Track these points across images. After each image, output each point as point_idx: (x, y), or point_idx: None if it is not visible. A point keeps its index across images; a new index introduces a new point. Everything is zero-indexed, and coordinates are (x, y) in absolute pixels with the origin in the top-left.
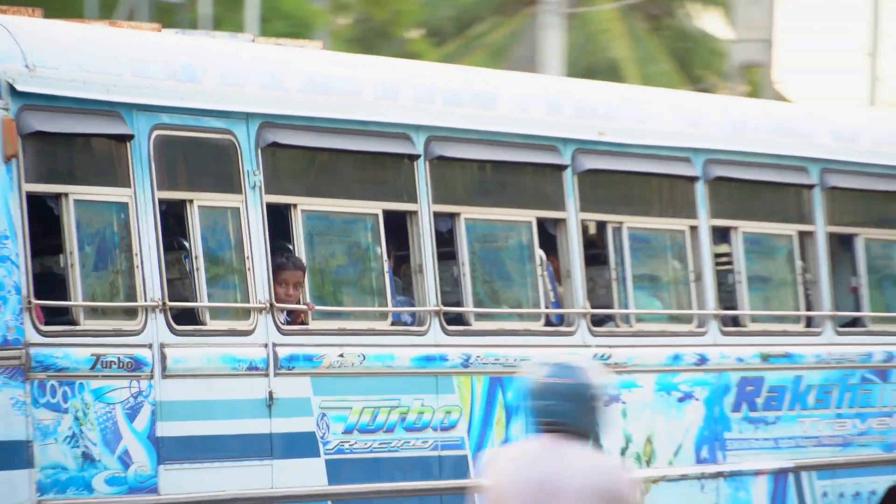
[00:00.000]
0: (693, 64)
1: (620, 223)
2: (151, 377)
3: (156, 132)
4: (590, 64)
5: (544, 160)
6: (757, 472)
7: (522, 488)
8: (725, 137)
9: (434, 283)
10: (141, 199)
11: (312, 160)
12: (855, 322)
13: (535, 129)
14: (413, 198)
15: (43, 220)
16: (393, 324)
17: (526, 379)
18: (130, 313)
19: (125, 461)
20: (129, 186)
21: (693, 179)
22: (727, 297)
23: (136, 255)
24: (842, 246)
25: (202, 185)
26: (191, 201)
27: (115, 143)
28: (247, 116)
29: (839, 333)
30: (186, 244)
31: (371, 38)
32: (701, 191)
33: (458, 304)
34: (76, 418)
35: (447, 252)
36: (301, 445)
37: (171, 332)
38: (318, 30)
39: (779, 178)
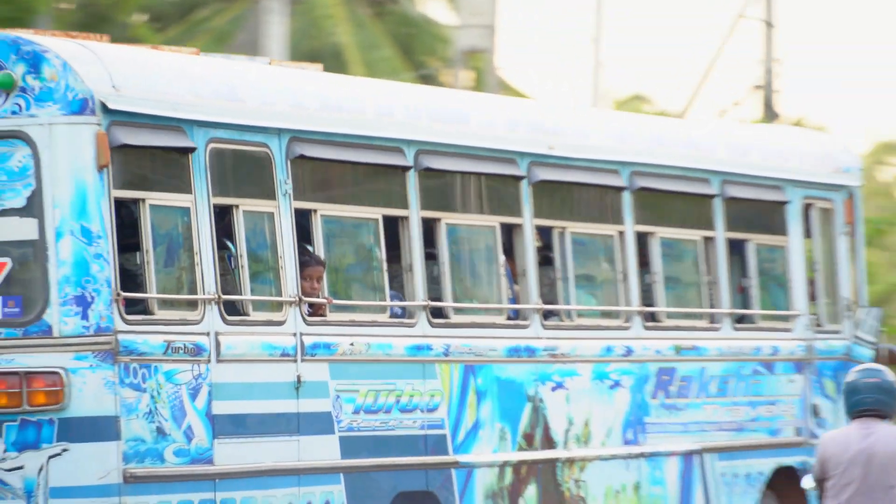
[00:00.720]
0: (416, 50)
1: (564, 228)
2: (209, 361)
3: (211, 145)
4: (313, 49)
5: (505, 171)
6: (670, 454)
7: (853, 458)
8: (647, 152)
9: (422, 280)
10: (200, 204)
11: (327, 170)
12: (744, 319)
13: (498, 144)
14: (405, 204)
15: (123, 221)
16: (390, 317)
17: (846, 381)
18: (192, 305)
19: (188, 435)
20: (190, 193)
21: (621, 189)
22: (647, 295)
23: (197, 253)
24: (735, 250)
25: (245, 192)
26: (237, 206)
27: (180, 155)
28: (279, 132)
29: (735, 329)
30: (231, 244)
31: (94, 22)
32: (627, 200)
33: (439, 299)
34: (152, 397)
35: (429, 253)
36: (320, 424)
37: (224, 322)
38: (41, 14)
39: (688, 188)
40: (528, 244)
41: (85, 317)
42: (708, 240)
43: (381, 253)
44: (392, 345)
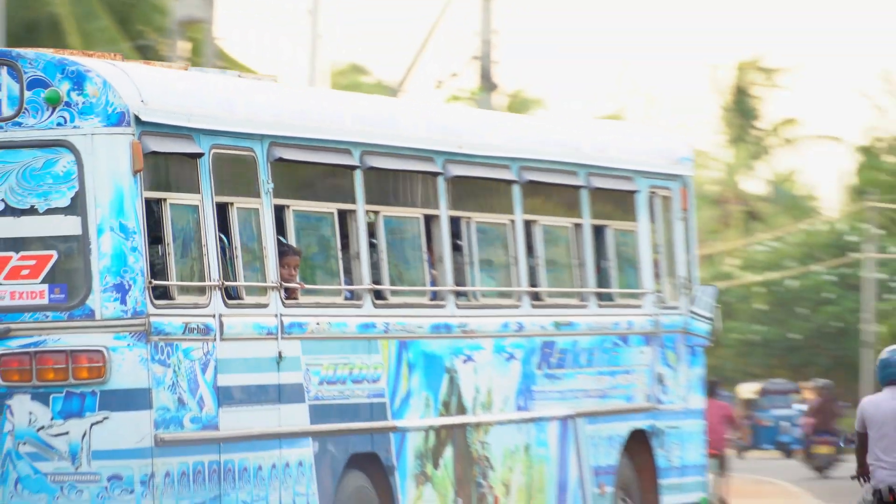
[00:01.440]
0: (134, 20)
1: (470, 218)
2: (214, 340)
3: (213, 151)
4: (30, 21)
5: (426, 168)
6: (551, 418)
7: (885, 416)
8: (530, 149)
9: (367, 267)
10: (205, 202)
11: (296, 170)
12: (605, 297)
13: (420, 144)
14: (353, 199)
15: (148, 218)
16: (345, 299)
17: (880, 357)
18: (201, 291)
19: (200, 405)
20: (198, 192)
21: (511, 182)
22: (532, 276)
23: (204, 245)
24: (597, 235)
25: (238, 191)
26: (231, 204)
27: (190, 159)
28: (261, 138)
29: (599, 306)
30: (224, 238)
31: None
32: (517, 192)
33: (379, 282)
34: (174, 372)
35: (371, 242)
36: (295, 394)
37: (225, 305)
38: None
39: (562, 180)
40: (444, 233)
41: (123, 302)
42: (577, 226)
43: (337, 243)
44: (346, 324)
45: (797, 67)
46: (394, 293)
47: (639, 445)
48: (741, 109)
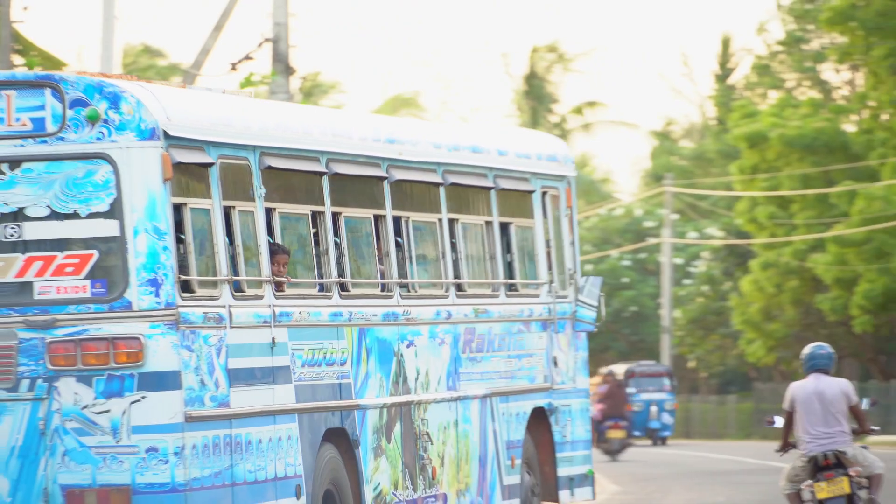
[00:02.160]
0: None
1: (408, 217)
2: (226, 328)
3: (220, 160)
4: None
5: (372, 173)
6: (473, 397)
7: (809, 398)
8: (451, 155)
9: (334, 262)
10: (215, 206)
11: (280, 177)
12: (512, 287)
13: (369, 152)
14: (321, 202)
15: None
16: (318, 291)
17: (805, 351)
18: (214, 284)
19: (216, 385)
20: (209, 198)
21: (438, 185)
22: (456, 269)
23: (215, 244)
24: (503, 232)
25: (238, 196)
26: (234, 207)
27: (203, 168)
28: (254, 148)
29: (507, 296)
30: (228, 237)
31: None
32: (442, 193)
33: (343, 276)
34: (197, 356)
35: (335, 241)
36: (284, 375)
37: (233, 297)
38: None
39: (477, 182)
40: (390, 231)
41: (157, 295)
42: (488, 224)
43: (311, 241)
44: (320, 313)
45: (594, 52)
46: (354, 285)
47: (537, 422)
48: (536, 94)
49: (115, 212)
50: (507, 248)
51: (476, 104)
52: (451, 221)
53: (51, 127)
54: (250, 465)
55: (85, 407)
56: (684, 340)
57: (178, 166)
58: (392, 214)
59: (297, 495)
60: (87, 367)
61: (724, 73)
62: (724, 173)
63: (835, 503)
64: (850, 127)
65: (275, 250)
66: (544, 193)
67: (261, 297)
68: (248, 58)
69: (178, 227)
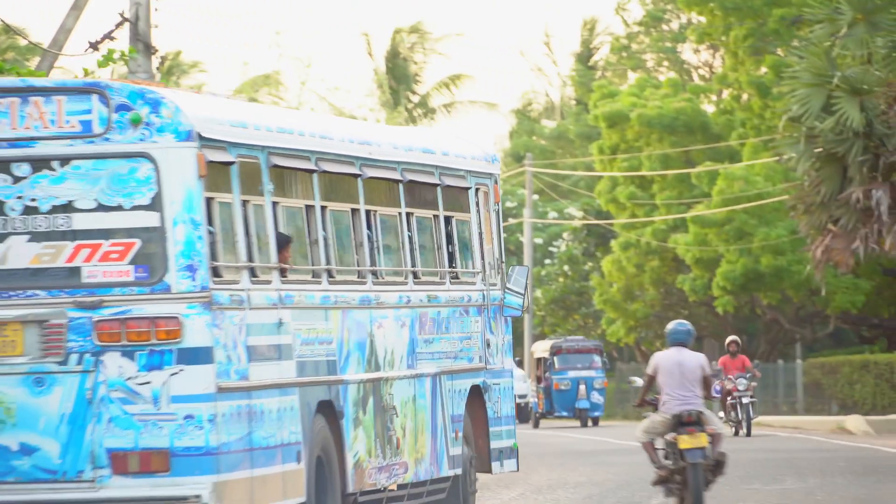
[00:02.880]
0: None
1: (376, 211)
2: (245, 309)
3: (238, 159)
4: None
5: (349, 171)
6: (427, 375)
7: (672, 367)
8: (410, 155)
9: (323, 251)
10: (236, 200)
11: (281, 174)
12: (454, 275)
13: (346, 151)
14: (312, 196)
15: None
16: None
17: (670, 326)
18: (236, 270)
19: (238, 360)
20: (230, 192)
21: (398, 182)
22: (413, 258)
23: (236, 234)
24: (447, 224)
25: (252, 191)
26: (248, 201)
27: (226, 166)
28: (263, 148)
29: (452, 283)
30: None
31: None
32: (402, 189)
33: (329, 264)
34: (225, 334)
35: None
36: (288, 352)
37: (250, 282)
38: None
39: (427, 180)
40: (363, 223)
41: (193, 279)
42: (435, 217)
43: (306, 231)
44: (314, 296)
45: (456, 33)
46: (339, 272)
47: (473, 399)
48: (397, 74)
49: (155, 205)
50: (449, 239)
51: (336, 84)
52: (409, 215)
53: (97, 129)
54: (263, 431)
55: (128, 379)
56: (546, 320)
57: (208, 164)
58: (364, 208)
59: (298, 460)
60: (131, 343)
61: (587, 54)
62: (584, 153)
63: (692, 453)
64: (709, 107)
65: (280, 240)
66: (477, 189)
67: (270, 282)
68: (108, 37)
69: (207, 218)
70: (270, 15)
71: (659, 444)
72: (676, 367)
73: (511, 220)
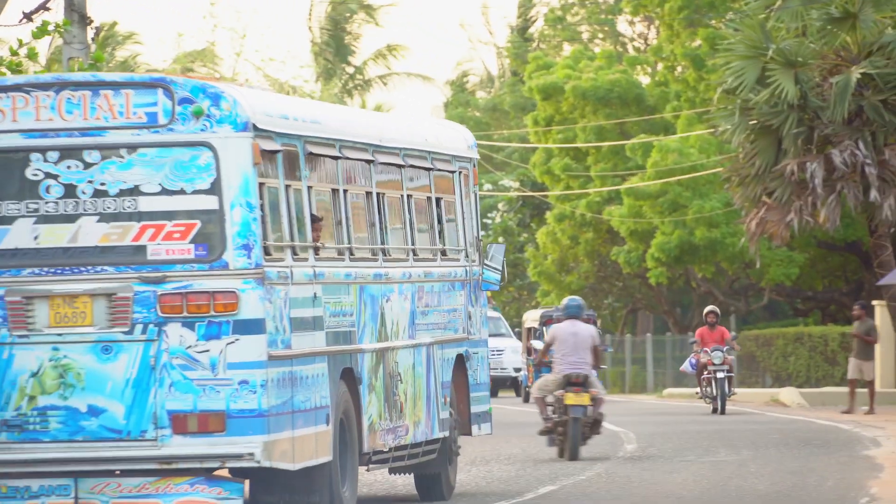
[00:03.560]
0: None
1: (384, 194)
2: (289, 284)
3: (282, 147)
4: None
5: (365, 157)
6: (423, 344)
7: (567, 336)
8: (410, 142)
9: (346, 231)
10: (281, 185)
11: (313, 161)
12: (445, 252)
13: (362, 139)
14: (336, 181)
15: None
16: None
17: (564, 301)
18: (281, 249)
19: (283, 331)
20: (277, 178)
21: (400, 166)
22: (412, 237)
23: (282, 216)
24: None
25: (292, 176)
26: (290, 186)
27: (273, 154)
28: (300, 137)
29: (442, 260)
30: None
31: None
32: (404, 173)
33: (350, 242)
34: (274, 307)
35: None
36: (320, 324)
37: (293, 259)
38: None
39: (424, 164)
40: (375, 205)
41: (248, 257)
42: (428, 199)
43: (332, 213)
44: (339, 273)
45: (391, 3)
46: (358, 250)
47: (456, 367)
48: (334, 45)
49: (215, 189)
50: (439, 219)
51: (271, 55)
52: (409, 197)
53: (162, 120)
54: (302, 396)
55: (188, 347)
56: None
57: (261, 152)
58: (375, 191)
59: (327, 422)
60: (191, 315)
61: (524, 26)
62: (519, 125)
63: (575, 409)
64: (644, 79)
65: (314, 221)
66: (460, 173)
67: (306, 260)
68: (43, 7)
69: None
70: None
71: (550, 400)
72: (571, 336)
73: None
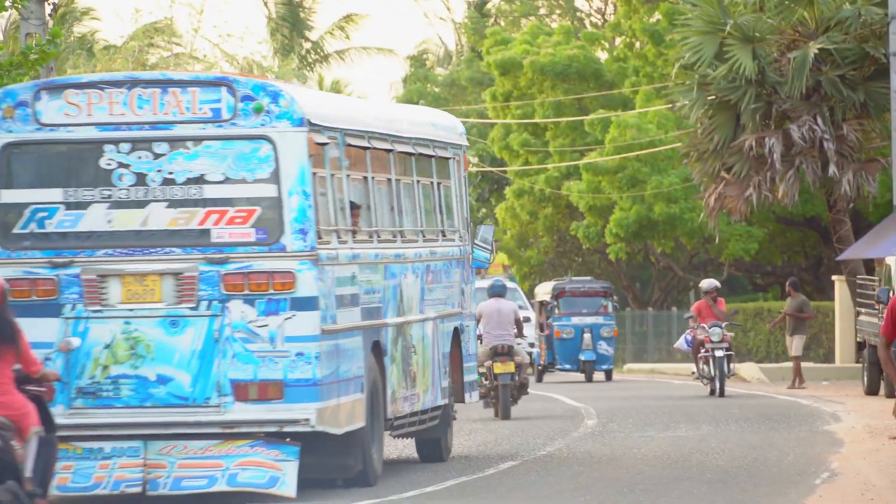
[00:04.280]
0: None
1: (399, 180)
2: (335, 265)
3: (328, 140)
4: None
5: (386, 146)
6: (430, 318)
7: (492, 313)
8: (419, 130)
9: (375, 214)
10: (327, 174)
11: (349, 151)
12: (444, 233)
13: (384, 129)
14: (365, 169)
15: None
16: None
17: (490, 282)
18: (328, 232)
19: (331, 307)
20: (324, 168)
21: (412, 154)
22: (420, 220)
23: (330, 202)
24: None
25: (335, 166)
26: (334, 175)
27: (321, 146)
28: (341, 130)
29: (443, 240)
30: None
31: None
32: (413, 161)
33: (377, 226)
34: (325, 285)
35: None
36: (357, 300)
37: (338, 242)
38: None
39: (428, 152)
40: (394, 191)
41: (304, 240)
42: (431, 183)
43: (366, 199)
44: (370, 254)
45: None
46: (382, 232)
47: (452, 339)
48: (291, 20)
49: (273, 178)
50: (439, 202)
51: (229, 31)
52: (418, 182)
53: (226, 115)
54: (344, 367)
55: (249, 322)
56: None
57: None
58: (394, 178)
59: (361, 391)
60: (252, 293)
61: (482, 1)
62: (477, 101)
63: (503, 377)
64: (602, 55)
65: (353, 207)
66: (454, 159)
67: (346, 242)
68: None
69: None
70: None
71: (481, 370)
72: (496, 312)
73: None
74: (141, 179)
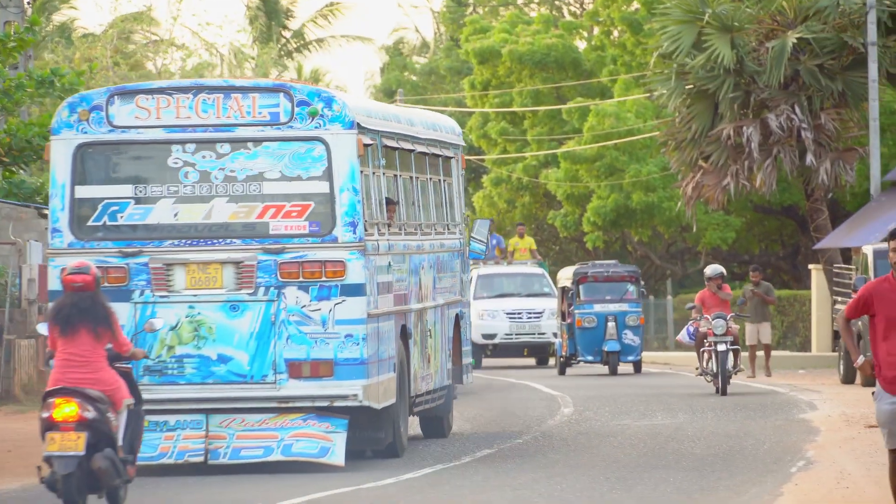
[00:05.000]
0: None
1: (417, 177)
2: (377, 255)
3: (371, 141)
4: None
5: (408, 147)
6: (440, 305)
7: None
8: (429, 132)
9: (403, 209)
10: (370, 172)
11: (384, 151)
12: (448, 226)
13: (406, 131)
14: (395, 168)
15: None
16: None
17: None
18: (371, 225)
19: (373, 293)
20: (368, 167)
21: (425, 154)
22: (432, 214)
23: (373, 197)
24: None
25: (374, 165)
26: (374, 172)
27: (366, 147)
28: (377, 132)
29: (447, 233)
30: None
31: None
32: (426, 159)
33: (404, 220)
34: (370, 273)
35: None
36: (389, 287)
37: (377, 234)
38: None
39: (434, 151)
40: (416, 187)
41: (354, 232)
42: (439, 181)
43: (396, 195)
44: (400, 245)
45: None
46: (408, 225)
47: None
48: (268, 9)
49: (326, 176)
50: (444, 198)
51: (208, 20)
52: (430, 179)
53: (283, 118)
54: (382, 348)
55: (303, 306)
56: None
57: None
58: (414, 175)
59: (393, 370)
60: (306, 280)
61: None
62: (455, 89)
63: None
64: (581, 44)
65: (388, 203)
66: (454, 158)
67: (384, 234)
68: None
69: None
70: None
71: None
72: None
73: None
74: (205, 177)
